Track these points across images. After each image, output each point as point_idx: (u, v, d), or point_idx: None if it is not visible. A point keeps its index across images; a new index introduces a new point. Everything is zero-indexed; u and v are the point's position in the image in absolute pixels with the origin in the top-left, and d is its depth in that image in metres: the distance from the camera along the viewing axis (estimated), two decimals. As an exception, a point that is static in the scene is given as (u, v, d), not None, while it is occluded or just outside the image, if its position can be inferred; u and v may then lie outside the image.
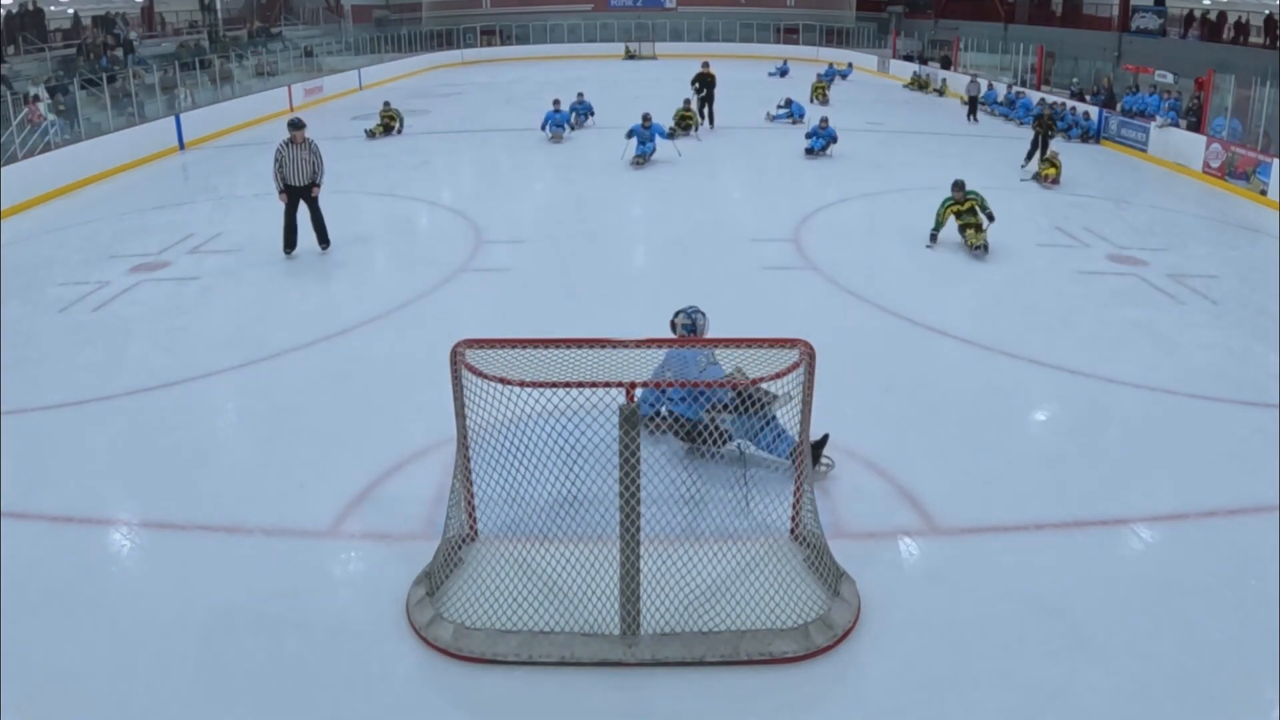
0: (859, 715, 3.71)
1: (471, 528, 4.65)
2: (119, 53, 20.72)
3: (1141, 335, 7.72)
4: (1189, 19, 26.69)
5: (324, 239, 9.83)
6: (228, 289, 8.89)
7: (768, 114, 20.04)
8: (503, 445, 4.26)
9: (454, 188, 13.81)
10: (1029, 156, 14.80)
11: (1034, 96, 20.66)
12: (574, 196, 12.74)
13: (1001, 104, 21.49)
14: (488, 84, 28.75)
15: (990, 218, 9.67)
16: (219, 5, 28.38)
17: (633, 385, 3.80)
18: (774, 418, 5.23)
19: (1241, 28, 25.37)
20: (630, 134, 14.44)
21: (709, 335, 5.73)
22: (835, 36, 37.58)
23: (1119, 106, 18.61)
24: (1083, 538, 4.84)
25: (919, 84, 27.21)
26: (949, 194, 9.86)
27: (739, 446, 5.37)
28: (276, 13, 32.20)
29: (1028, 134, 17.43)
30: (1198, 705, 3.72)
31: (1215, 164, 14.47)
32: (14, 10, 20.97)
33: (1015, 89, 21.99)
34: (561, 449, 4.19)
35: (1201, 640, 4.06)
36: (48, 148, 14.22)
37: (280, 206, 9.61)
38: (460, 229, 10.90)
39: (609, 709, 3.73)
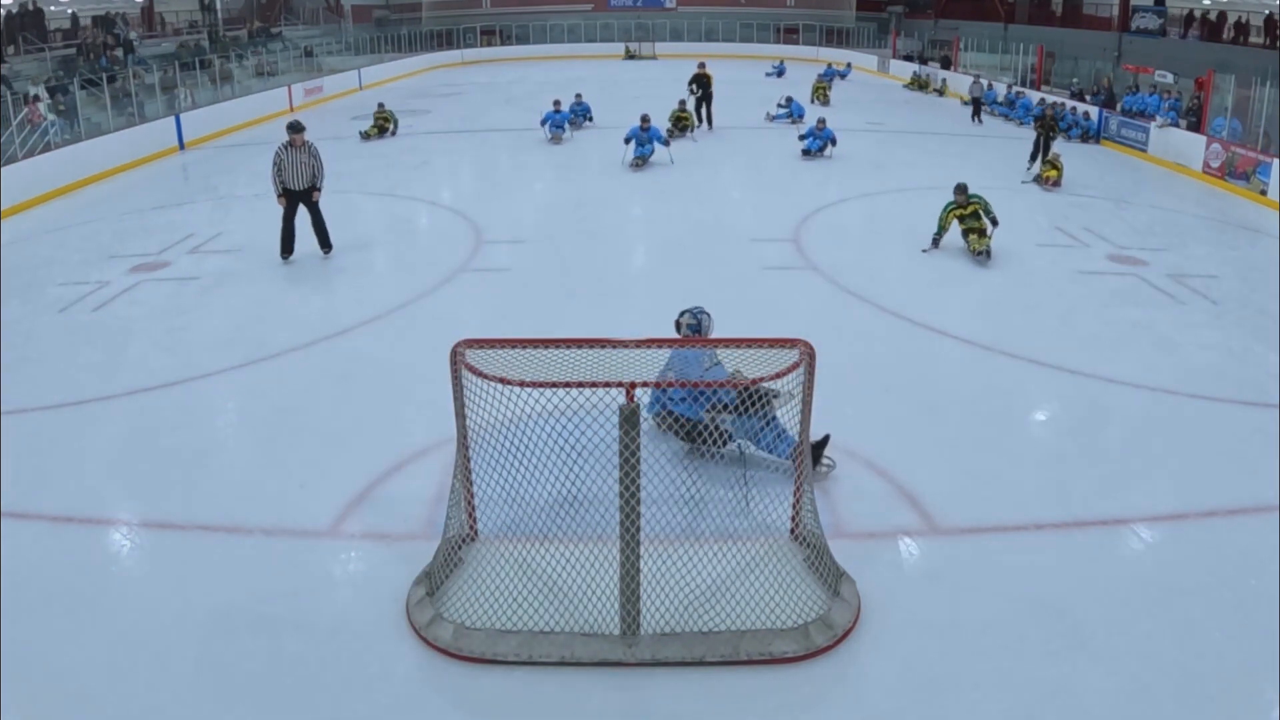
0: (859, 715, 3.71)
1: (471, 528, 4.65)
2: (119, 53, 20.73)
3: (1141, 335, 7.72)
4: (1189, 19, 26.69)
5: (326, 243, 9.71)
6: (228, 289, 8.89)
7: (767, 114, 20.01)
8: (503, 445, 4.26)
9: (454, 188, 13.81)
10: (1033, 158, 14.67)
11: (1034, 96, 20.68)
12: (574, 196, 12.74)
13: (1001, 104, 21.48)
14: (488, 84, 28.75)
15: (994, 222, 9.53)
16: (219, 5, 28.39)
17: (633, 385, 3.80)
18: (775, 418, 5.23)
19: (1241, 28, 25.37)
20: (629, 138, 14.38)
21: (713, 336, 5.73)
22: (835, 36, 37.57)
23: (1119, 106, 18.61)
24: (1083, 538, 4.84)
25: (919, 84, 27.21)
26: (951, 197, 9.74)
27: (739, 447, 5.37)
28: (276, 13, 32.20)
29: (1028, 134, 17.46)
30: (1198, 705, 3.72)
31: (1215, 164, 14.47)
32: (14, 10, 20.97)
33: (1015, 89, 21.98)
34: (561, 449, 4.19)
35: (1201, 640, 4.06)
36: (48, 148, 14.22)
37: (279, 210, 9.49)
38: (460, 229, 10.90)
39: (609, 709, 3.73)
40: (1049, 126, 14.82)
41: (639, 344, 4.22)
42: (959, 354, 7.28)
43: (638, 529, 3.88)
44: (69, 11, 23.78)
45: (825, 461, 5.34)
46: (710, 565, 4.31)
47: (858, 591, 4.27)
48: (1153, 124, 16.54)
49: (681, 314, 5.82)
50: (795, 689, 3.80)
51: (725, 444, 5.35)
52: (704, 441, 5.31)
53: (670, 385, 5.05)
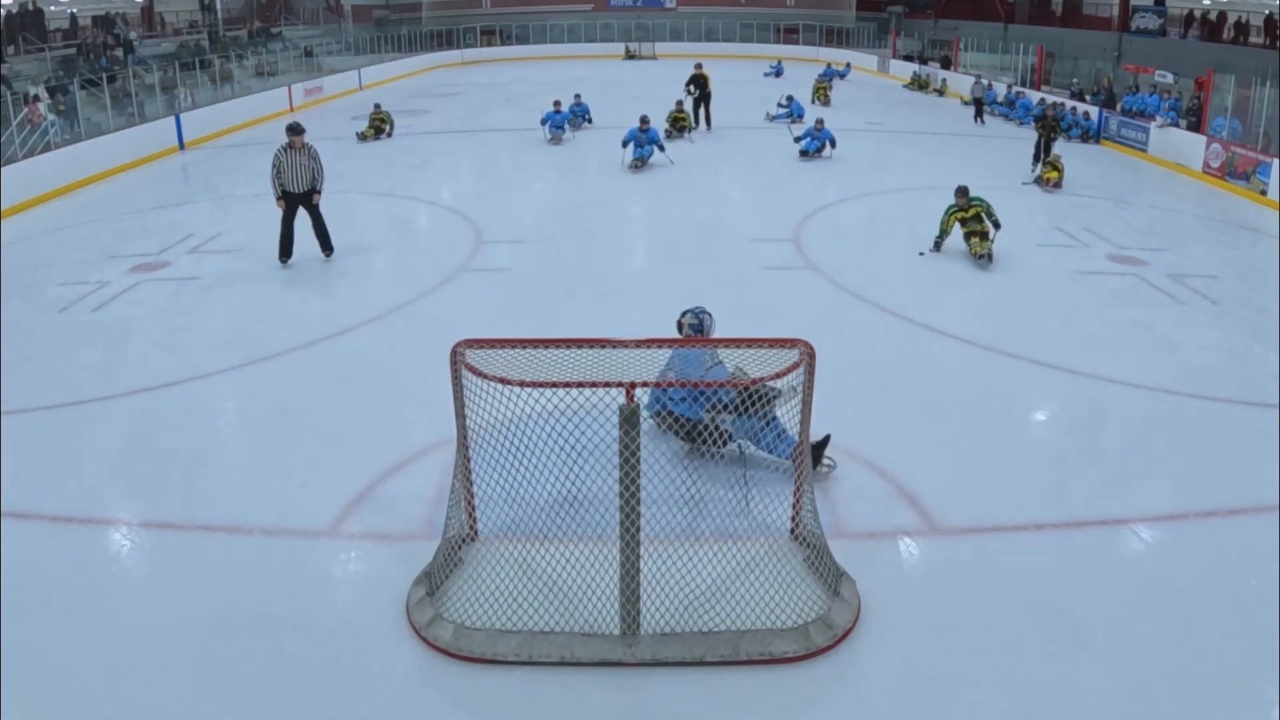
0: (859, 715, 3.71)
1: (471, 528, 4.65)
2: (119, 53, 20.73)
3: (1141, 335, 7.72)
4: (1189, 19, 26.69)
5: (327, 245, 9.61)
6: (228, 289, 8.89)
7: (767, 114, 19.99)
8: (503, 445, 4.26)
9: (454, 188, 13.81)
10: (1036, 160, 14.45)
11: (1034, 96, 20.68)
12: (574, 196, 12.74)
13: (1001, 104, 21.48)
14: (488, 84, 28.75)
15: (996, 225, 9.41)
16: (219, 5, 28.39)
17: (633, 385, 3.80)
18: (775, 418, 5.23)
19: (1241, 28, 25.37)
20: (625, 141, 14.28)
21: (714, 336, 5.73)
22: (835, 36, 37.57)
23: (1119, 106, 18.61)
24: (1083, 538, 4.84)
25: (919, 84, 27.21)
26: (951, 200, 9.62)
27: (739, 447, 5.37)
28: (276, 13, 32.20)
29: (1028, 134, 17.47)
30: (1198, 705, 3.72)
31: (1215, 164, 14.47)
32: (14, 10, 20.98)
33: (1015, 89, 21.97)
34: (561, 449, 4.19)
35: (1201, 640, 4.06)
36: (48, 148, 14.22)
37: (278, 211, 9.39)
38: (460, 229, 10.90)
39: (609, 709, 3.73)
40: (1050, 127, 14.72)
41: (639, 344, 4.22)
42: (959, 354, 7.28)
43: (638, 529, 3.88)
44: (68, 12, 23.79)
45: (826, 462, 5.34)
46: (710, 565, 4.31)
47: (858, 591, 4.27)
48: (1153, 124, 16.54)
49: (683, 314, 5.82)
50: (795, 689, 3.80)
51: (725, 444, 5.35)
52: (704, 441, 5.31)
53: (670, 385, 5.05)
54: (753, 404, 5.11)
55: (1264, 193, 13.14)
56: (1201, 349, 7.45)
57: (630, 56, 37.60)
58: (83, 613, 4.25)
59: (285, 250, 9.43)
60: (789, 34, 39.22)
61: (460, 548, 4.52)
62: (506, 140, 17.54)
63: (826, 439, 5.32)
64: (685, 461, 5.34)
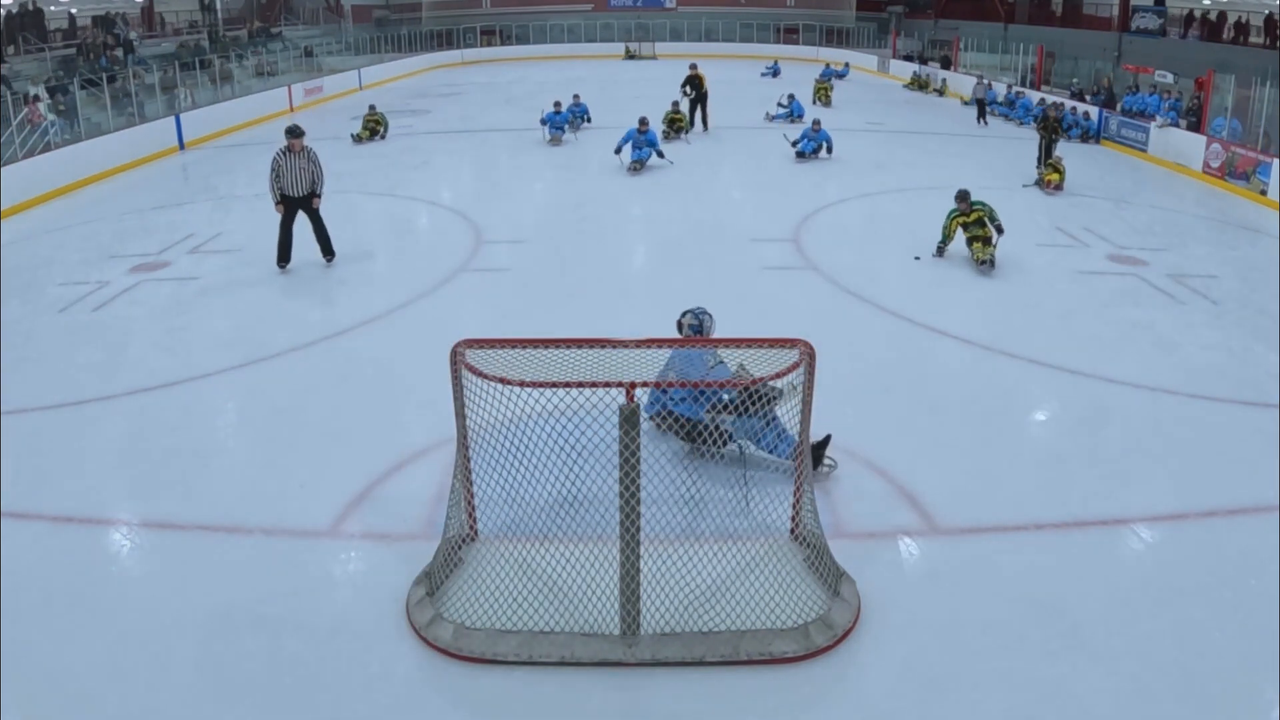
0: (859, 715, 3.71)
1: (471, 528, 4.65)
2: (119, 53, 20.74)
3: (1142, 335, 7.72)
4: (1189, 19, 26.69)
5: (328, 250, 9.44)
6: (228, 289, 8.89)
7: (767, 113, 19.96)
8: (503, 445, 4.25)
9: (454, 188, 13.80)
10: (1040, 163, 14.19)
11: (1034, 96, 20.68)
12: (574, 196, 12.75)
13: (1001, 104, 21.47)
14: (488, 84, 28.75)
15: (999, 230, 9.29)
16: (219, 5, 28.40)
17: (633, 385, 3.80)
18: (776, 418, 5.23)
19: (1241, 28, 25.37)
20: (620, 146, 14.13)
21: (714, 336, 5.73)
22: (835, 36, 37.58)
23: (1119, 106, 18.61)
24: (1083, 538, 4.84)
25: (919, 84, 27.21)
26: (953, 204, 9.48)
27: (739, 447, 5.37)
28: (276, 13, 32.21)
29: (1028, 134, 17.48)
30: (1198, 705, 3.72)
31: (1215, 164, 14.47)
32: (14, 10, 20.98)
33: (1015, 89, 21.97)
34: (561, 449, 4.19)
35: (1201, 640, 4.06)
36: (48, 148, 14.22)
37: (277, 214, 9.20)
38: (460, 229, 10.90)
39: (609, 709, 3.73)
40: (1051, 128, 14.53)
41: (639, 344, 4.22)
42: (959, 354, 7.28)
43: (638, 529, 3.88)
44: (68, 12, 23.79)
45: (827, 462, 5.34)
46: (710, 565, 4.31)
47: (858, 591, 4.27)
48: (1153, 124, 16.53)
49: (683, 314, 5.82)
50: (795, 689, 3.80)
51: (725, 444, 5.35)
52: (704, 441, 5.31)
53: (671, 385, 5.05)
54: (753, 404, 5.11)
55: (1264, 193, 13.13)
56: (1201, 349, 7.45)
57: (630, 56, 37.60)
58: (83, 613, 4.25)
59: (283, 255, 9.29)
60: (789, 34, 39.22)
61: (460, 548, 4.52)
62: (506, 140, 17.54)
63: (827, 439, 5.32)
64: (685, 461, 5.35)
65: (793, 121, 18.77)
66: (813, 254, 9.83)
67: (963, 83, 24.78)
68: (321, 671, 3.89)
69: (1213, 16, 26.42)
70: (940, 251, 9.61)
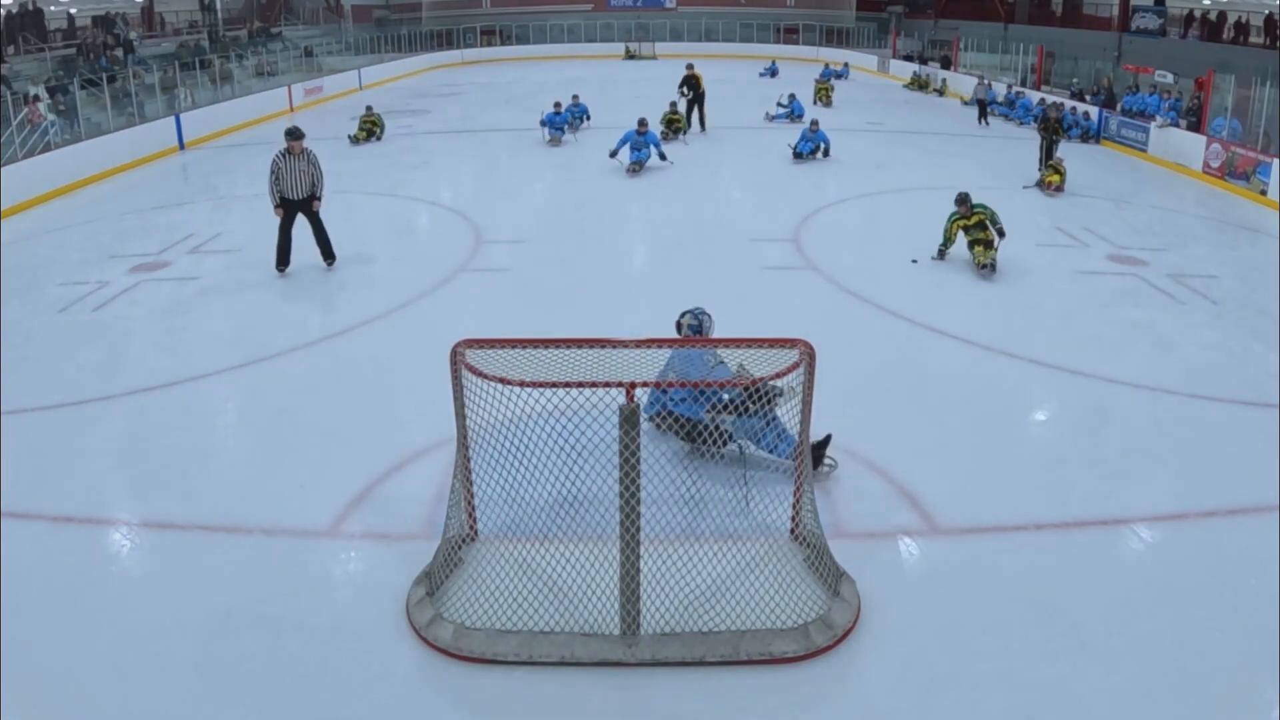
0: (859, 715, 3.71)
1: (471, 528, 4.65)
2: (119, 53, 20.74)
3: (1142, 335, 7.72)
4: (1189, 19, 26.70)
5: (328, 254, 9.31)
6: (228, 289, 8.89)
7: (767, 113, 19.94)
8: (503, 445, 4.25)
9: (454, 188, 13.80)
10: (1041, 163, 14.05)
11: (1034, 96, 20.67)
12: (574, 196, 12.74)
13: (1001, 104, 21.47)
14: (488, 84, 28.75)
15: (1001, 233, 9.21)
16: (219, 5, 28.40)
17: (633, 385, 3.80)
18: (776, 418, 5.23)
19: (1241, 28, 25.37)
20: (617, 149, 13.98)
21: (714, 336, 5.73)
22: (835, 36, 37.58)
23: (1119, 106, 18.61)
24: (1083, 538, 4.84)
25: (919, 84, 27.21)
26: (953, 207, 9.38)
27: (740, 447, 5.37)
28: (276, 13, 32.22)
29: (1028, 134, 17.48)
30: (1198, 705, 3.72)
31: (1215, 164, 14.47)
32: (14, 10, 20.98)
33: (1015, 89, 21.96)
34: (561, 449, 4.19)
35: (1201, 640, 4.06)
36: (48, 148, 14.22)
37: (277, 217, 9.07)
38: (460, 229, 10.90)
39: (609, 709, 3.73)
40: (1052, 129, 14.37)
41: (639, 344, 4.22)
42: (959, 354, 7.28)
43: (638, 529, 3.88)
44: (67, 12, 23.79)
45: (827, 462, 5.34)
46: (710, 565, 4.31)
47: (858, 591, 4.27)
48: (1153, 124, 16.53)
49: (682, 315, 5.82)
50: (795, 689, 3.80)
51: (725, 444, 5.35)
52: (704, 441, 5.31)
53: (671, 385, 5.05)
54: (754, 404, 5.11)
55: (1264, 193, 13.13)
56: (1201, 349, 7.45)
57: (630, 56, 37.60)
58: (83, 613, 4.25)
59: (282, 259, 9.17)
60: (789, 34, 39.22)
61: (460, 548, 4.52)
62: (506, 140, 17.53)
63: (827, 439, 5.32)
64: (685, 461, 5.35)
65: (793, 121, 18.73)
66: (813, 254, 9.83)
67: (963, 83, 24.79)
68: (321, 671, 3.89)
69: (1213, 16, 26.43)
70: (941, 255, 9.53)
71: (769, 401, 5.01)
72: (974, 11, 34.02)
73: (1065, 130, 16.61)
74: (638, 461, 3.81)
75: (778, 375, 4.15)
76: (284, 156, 8.91)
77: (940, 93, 26.11)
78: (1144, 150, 16.54)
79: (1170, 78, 19.14)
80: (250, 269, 9.39)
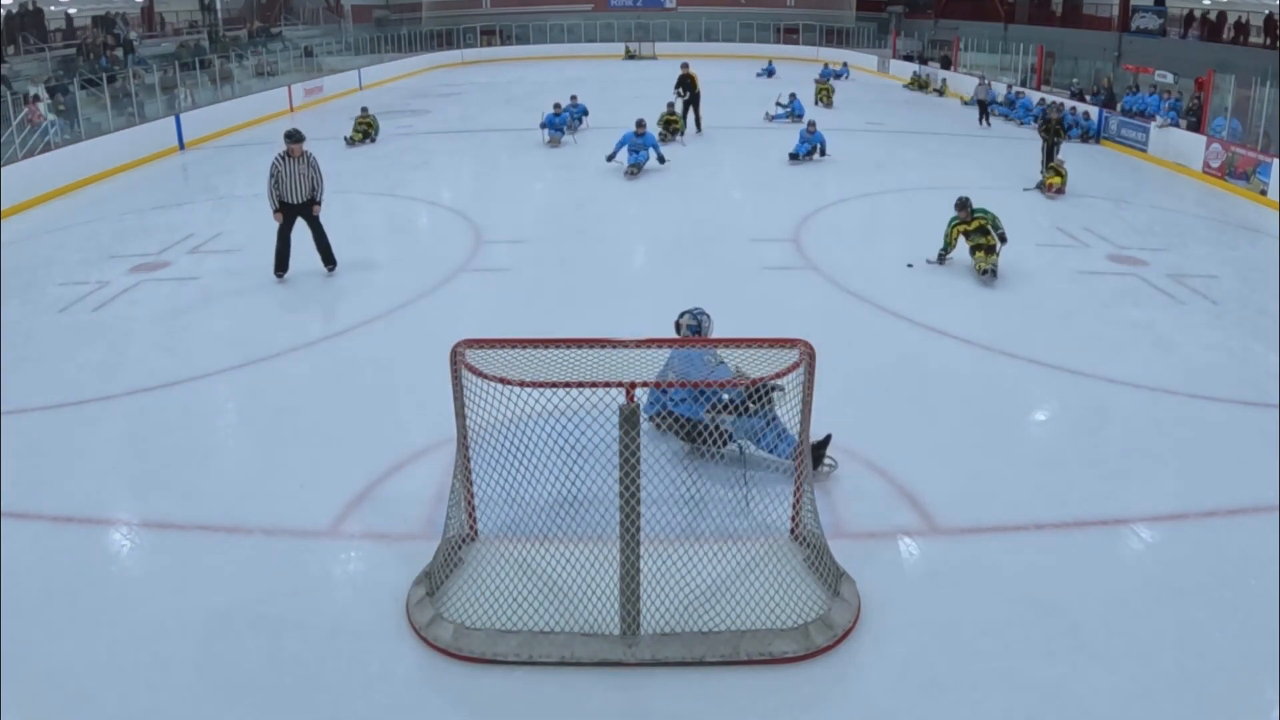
0: (859, 715, 3.71)
1: (471, 528, 4.65)
2: (119, 53, 20.74)
3: (1142, 335, 7.72)
4: (1189, 19, 26.70)
5: (329, 259, 9.14)
6: (228, 289, 8.89)
7: (767, 113, 19.92)
8: (503, 445, 4.25)
9: (454, 188, 13.80)
10: (1043, 165, 13.85)
11: (1034, 96, 20.67)
12: (574, 197, 12.74)
13: (1001, 104, 21.46)
14: (488, 84, 28.75)
15: (1003, 239, 9.09)
16: (219, 5, 28.41)
17: (633, 385, 3.80)
18: (776, 418, 5.23)
19: (1241, 28, 25.37)
20: (615, 152, 13.86)
21: (713, 336, 5.73)
22: (835, 36, 37.58)
23: (1119, 106, 18.60)
24: (1083, 538, 4.84)
25: (919, 84, 27.21)
26: (954, 213, 9.24)
27: (740, 447, 5.37)
28: (276, 13, 32.22)
29: (1028, 134, 17.48)
30: (1198, 705, 3.72)
31: (1215, 164, 14.47)
32: (14, 10, 20.98)
33: (1015, 89, 21.96)
34: (561, 449, 4.19)
35: (1201, 640, 4.06)
36: (48, 148, 14.22)
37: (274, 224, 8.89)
38: (460, 229, 10.90)
39: (609, 709, 3.73)
40: (1054, 130, 14.15)
41: (639, 344, 4.22)
42: (959, 354, 7.28)
43: (638, 529, 3.88)
44: (66, 12, 23.79)
45: (827, 461, 5.34)
46: (710, 565, 4.31)
47: (858, 591, 4.27)
48: (1153, 124, 16.53)
49: (681, 315, 5.82)
50: (795, 689, 3.80)
51: (725, 444, 5.35)
52: (704, 441, 5.31)
53: (671, 385, 5.05)
54: (754, 404, 5.11)
55: (1264, 193, 13.13)
56: (1201, 349, 7.45)
57: (630, 56, 37.58)
58: (83, 613, 4.25)
59: (281, 264, 9.00)
60: (789, 34, 39.22)
61: (460, 548, 4.52)
62: (506, 140, 17.53)
63: (827, 439, 5.32)
64: (685, 461, 5.35)
65: (793, 121, 18.67)
66: (813, 254, 9.83)
67: (963, 83, 24.78)
68: (321, 671, 3.89)
69: (1213, 16, 26.43)
70: (942, 259, 9.39)
71: (768, 400, 5.01)
72: (974, 11, 34.03)
73: (1065, 130, 16.54)
74: (638, 461, 3.81)
75: (777, 375, 4.15)
76: (283, 159, 8.75)
77: (940, 93, 26.10)
78: (1144, 150, 16.54)
79: (1170, 78, 19.14)
80: (250, 269, 9.39)
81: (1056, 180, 13.00)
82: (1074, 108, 18.70)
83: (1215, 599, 4.33)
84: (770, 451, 5.30)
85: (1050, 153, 14.01)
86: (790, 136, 15.84)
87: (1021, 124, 19.83)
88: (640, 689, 3.81)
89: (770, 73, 29.78)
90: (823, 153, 15.01)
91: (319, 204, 8.96)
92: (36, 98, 15.24)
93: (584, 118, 18.31)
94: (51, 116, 15.09)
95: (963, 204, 9.21)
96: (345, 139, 17.28)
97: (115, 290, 8.90)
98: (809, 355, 4.17)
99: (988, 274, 8.97)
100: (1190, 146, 15.25)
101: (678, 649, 3.94)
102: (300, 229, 9.01)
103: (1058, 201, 12.57)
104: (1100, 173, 14.83)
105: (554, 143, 16.75)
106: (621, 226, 11.37)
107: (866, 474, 5.39)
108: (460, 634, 4.00)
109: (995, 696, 3.76)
